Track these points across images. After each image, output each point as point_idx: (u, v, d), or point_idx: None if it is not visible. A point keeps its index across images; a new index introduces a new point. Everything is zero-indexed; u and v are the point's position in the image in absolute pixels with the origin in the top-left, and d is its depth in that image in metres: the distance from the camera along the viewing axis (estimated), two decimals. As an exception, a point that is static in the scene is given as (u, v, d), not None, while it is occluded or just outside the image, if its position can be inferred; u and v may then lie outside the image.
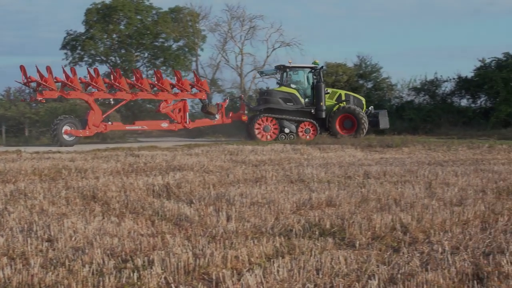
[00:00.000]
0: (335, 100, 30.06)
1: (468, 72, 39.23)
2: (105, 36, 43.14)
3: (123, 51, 44.18)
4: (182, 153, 18.67)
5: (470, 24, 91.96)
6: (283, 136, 29.08)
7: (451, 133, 31.54)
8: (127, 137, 32.00)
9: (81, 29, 43.45)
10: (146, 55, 45.59)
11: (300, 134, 29.27)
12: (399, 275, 5.25)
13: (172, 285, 5.18)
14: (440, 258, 5.85)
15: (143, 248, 6.33)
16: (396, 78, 67.88)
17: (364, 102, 30.70)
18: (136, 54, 44.77)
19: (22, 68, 26.47)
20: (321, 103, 29.68)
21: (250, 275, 5.17)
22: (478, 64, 38.30)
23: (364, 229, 7.09)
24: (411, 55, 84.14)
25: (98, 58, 43.87)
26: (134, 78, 29.23)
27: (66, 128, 26.04)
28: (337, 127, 29.25)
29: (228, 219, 7.86)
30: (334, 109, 29.62)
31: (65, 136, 25.93)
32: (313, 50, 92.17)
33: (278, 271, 5.36)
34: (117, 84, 27.61)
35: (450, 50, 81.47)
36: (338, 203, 8.91)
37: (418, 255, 6.06)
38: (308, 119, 29.55)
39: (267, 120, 29.41)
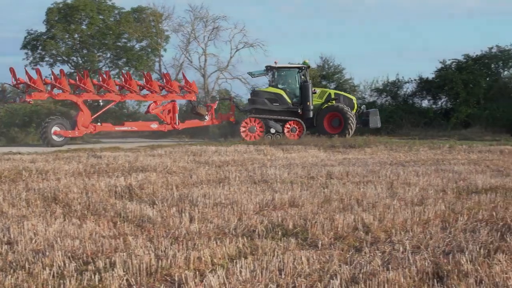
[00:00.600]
0: (324, 100, 29.76)
1: (429, 73, 39.66)
2: (66, 36, 42.62)
3: (85, 51, 43.72)
4: (145, 154, 18.55)
5: (431, 26, 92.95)
6: (270, 136, 28.67)
7: (412, 134, 31.86)
8: (89, 138, 31.66)
9: (42, 28, 42.91)
10: (108, 55, 45.18)
11: (287, 133, 29.02)
12: (360, 275, 5.29)
13: (134, 287, 5.16)
14: (401, 258, 5.91)
15: (104, 250, 6.27)
16: (359, 79, 68.20)
17: (355, 101, 30.40)
18: (98, 54, 44.35)
19: (11, 70, 26.65)
20: (308, 103, 29.50)
21: (213, 276, 5.16)
22: (439, 65, 38.77)
23: (326, 229, 7.13)
24: (373, 56, 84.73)
25: (59, 58, 43.31)
26: (123, 80, 29.52)
27: (55, 128, 26.14)
28: (325, 125, 28.98)
29: (191, 220, 7.84)
30: (323, 107, 29.39)
31: (54, 137, 26.04)
32: (277, 51, 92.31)
33: (240, 271, 5.36)
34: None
35: (411, 51, 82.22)
36: (301, 203, 8.95)
37: (379, 254, 6.11)
38: (294, 118, 29.26)
39: (253, 121, 29.26)
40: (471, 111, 34.84)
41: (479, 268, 5.44)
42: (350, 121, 28.36)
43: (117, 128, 30.13)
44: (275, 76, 30.32)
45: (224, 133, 30.83)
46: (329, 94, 30.02)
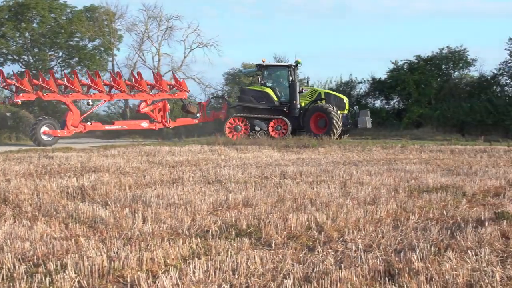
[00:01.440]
0: (314, 99, 29.11)
1: (381, 74, 40.08)
2: (17, 35, 41.97)
3: (36, 50, 43.11)
4: (97, 155, 18.35)
5: (384, 27, 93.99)
6: (254, 134, 28.34)
7: (365, 134, 32.16)
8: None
9: (-8, 27, 42.18)
10: (60, 54, 44.63)
11: (271, 132, 28.46)
12: (313, 274, 5.32)
13: (86, 288, 5.10)
14: (354, 256, 5.96)
15: (56, 251, 6.19)
16: (313, 79, 68.56)
17: (346, 101, 29.37)
18: (50, 53, 43.78)
19: (0, 72, 27.47)
20: (294, 101, 28.98)
21: (166, 277, 5.14)
22: (391, 66, 39.20)
23: (280, 229, 7.16)
24: (327, 57, 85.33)
25: (10, 57, 42.65)
26: (111, 79, 29.59)
27: (44, 128, 26.44)
28: (312, 126, 28.15)
29: (144, 220, 7.79)
30: (308, 107, 28.71)
31: (44, 136, 26.31)
32: (231, 50, 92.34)
33: (194, 272, 5.35)
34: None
35: (364, 52, 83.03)
36: (254, 203, 8.96)
37: (332, 253, 6.16)
38: (279, 117, 28.77)
39: (238, 120, 29.09)
40: (423, 111, 35.30)
41: (429, 265, 5.52)
42: (334, 122, 27.40)
43: (107, 127, 30.27)
44: (265, 75, 30.03)
45: (214, 130, 30.23)
46: (319, 93, 29.42)
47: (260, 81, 29.82)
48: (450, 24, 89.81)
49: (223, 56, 68.14)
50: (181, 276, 5.26)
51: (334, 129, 27.24)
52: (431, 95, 36.12)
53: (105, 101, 30.66)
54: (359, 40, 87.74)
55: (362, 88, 40.58)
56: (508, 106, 31.48)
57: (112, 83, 29.04)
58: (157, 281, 5.10)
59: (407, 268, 5.45)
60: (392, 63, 39.14)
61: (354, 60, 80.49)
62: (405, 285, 4.99)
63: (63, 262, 5.71)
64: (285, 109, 29.03)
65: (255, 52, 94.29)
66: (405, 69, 37.90)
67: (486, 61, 73.13)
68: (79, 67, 43.75)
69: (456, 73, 38.23)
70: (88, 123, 28.52)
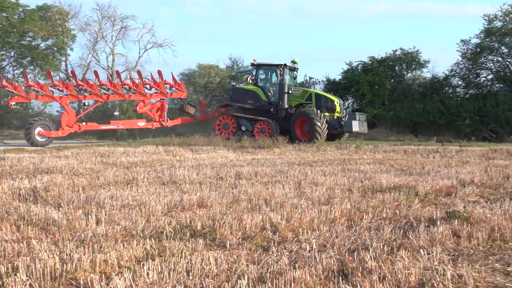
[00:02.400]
0: (305, 101, 28.26)
1: (336, 74, 40.48)
2: (-33, 34, 41.32)
3: (-13, 49, 42.46)
4: (50, 156, 18.13)
5: (339, 28, 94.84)
6: (240, 134, 27.93)
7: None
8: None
9: None
10: (12, 54, 43.99)
11: (256, 133, 27.76)
12: (268, 274, 5.33)
13: (38, 291, 5.03)
14: (308, 256, 5.99)
15: (7, 254, 6.08)
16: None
17: (337, 103, 27.99)
18: (1, 53, 43.11)
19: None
20: (281, 102, 28.17)
21: (119, 279, 5.09)
22: (346, 67, 39.56)
23: (234, 230, 7.15)
24: (282, 58, 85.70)
25: (-42, 56, 41.97)
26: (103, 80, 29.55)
27: (39, 129, 27.02)
28: (297, 131, 27.09)
29: (98, 222, 7.71)
30: (294, 111, 27.88)
31: (38, 137, 26.87)
32: (186, 51, 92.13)
33: (148, 273, 5.31)
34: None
35: (320, 53, 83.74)
36: (209, 204, 8.94)
37: (287, 253, 6.18)
38: (262, 118, 28.11)
39: (227, 118, 28.89)
40: (377, 112, 35.69)
41: (382, 265, 5.57)
42: (317, 127, 26.12)
43: (103, 127, 30.19)
44: (257, 74, 29.50)
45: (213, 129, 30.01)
46: (310, 94, 28.42)
47: (253, 80, 29.46)
48: (404, 26, 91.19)
49: (178, 57, 68.10)
50: (135, 277, 5.22)
51: (317, 135, 26.08)
52: (384, 96, 36.55)
53: (101, 102, 30.99)
54: (314, 41, 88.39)
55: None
56: (459, 107, 32.00)
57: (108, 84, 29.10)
58: (110, 283, 5.05)
59: (360, 267, 5.49)
60: (347, 64, 39.55)
61: (309, 61, 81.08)
62: (358, 285, 5.03)
63: (14, 265, 5.61)
64: (272, 110, 28.41)
65: (211, 52, 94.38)
66: (359, 70, 38.29)
67: (438, 63, 74.38)
68: (32, 67, 43.20)
69: (409, 74, 38.78)
70: (83, 123, 28.69)
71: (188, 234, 7.04)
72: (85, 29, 43.83)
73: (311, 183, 11.42)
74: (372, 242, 6.50)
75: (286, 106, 28.03)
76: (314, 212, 8.19)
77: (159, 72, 29.75)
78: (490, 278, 5.32)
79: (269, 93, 28.88)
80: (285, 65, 28.76)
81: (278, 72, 28.80)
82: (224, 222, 7.39)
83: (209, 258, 5.80)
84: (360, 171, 13.46)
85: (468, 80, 35.84)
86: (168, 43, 44.48)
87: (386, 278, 5.19)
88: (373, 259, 5.74)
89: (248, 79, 29.97)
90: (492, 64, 35.80)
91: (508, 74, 34.61)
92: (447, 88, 36.77)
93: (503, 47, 34.90)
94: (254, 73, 29.83)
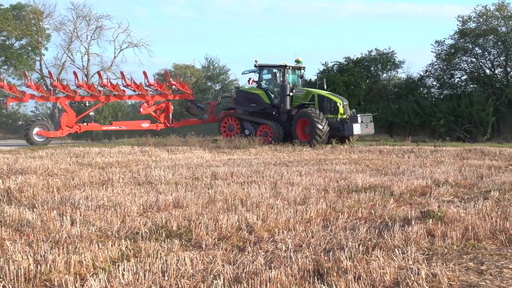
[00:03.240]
0: (308, 102, 26.36)
1: (312, 75, 40.53)
2: None
3: (-41, 49, 42.02)
4: (25, 156, 17.98)
5: (315, 29, 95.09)
6: (244, 138, 25.72)
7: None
8: None
9: None
10: (-15, 53, 43.54)
11: (259, 137, 25.74)
12: (243, 274, 5.33)
13: (12, 293, 4.98)
14: (284, 256, 6.01)
15: (-20, 256, 6.03)
16: (244, 80, 68.80)
17: (340, 104, 25.80)
18: (-26, 53, 42.69)
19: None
20: (282, 105, 26.61)
21: (94, 280, 5.07)
22: (321, 67, 39.62)
23: (210, 230, 7.15)
24: (257, 58, 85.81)
25: None
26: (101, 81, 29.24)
27: (37, 129, 27.09)
28: (298, 133, 25.26)
29: (73, 223, 7.67)
30: (296, 113, 25.98)
31: (36, 137, 26.95)
32: (162, 51, 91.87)
33: (123, 274, 5.29)
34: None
35: (295, 53, 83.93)
36: (185, 204, 8.92)
37: (262, 253, 6.19)
38: (264, 122, 26.67)
39: (232, 119, 27.82)
40: (352, 112, 35.78)
41: (357, 264, 5.60)
42: (317, 129, 24.37)
43: (105, 128, 30.04)
44: (260, 75, 27.99)
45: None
46: (313, 96, 26.46)
47: (257, 82, 27.97)
48: (379, 27, 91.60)
49: (154, 57, 67.95)
50: (110, 278, 5.20)
51: (317, 137, 24.36)
52: (360, 96, 36.64)
53: (102, 102, 30.76)
54: (290, 41, 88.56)
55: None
56: (434, 107, 32.19)
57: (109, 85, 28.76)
58: (85, 284, 5.03)
59: (335, 267, 5.52)
60: (322, 64, 39.54)
61: (288, 62, 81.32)
62: (333, 284, 5.05)
63: (-12, 266, 5.56)
64: (274, 112, 27.06)
65: (187, 52, 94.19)
66: (335, 71, 38.36)
67: (413, 63, 74.87)
68: (6, 67, 42.82)
69: (384, 74, 38.92)
70: (85, 124, 28.57)
71: (163, 234, 7.03)
72: (59, 29, 43.54)
73: (287, 183, 11.45)
74: (347, 242, 6.53)
75: (288, 108, 26.62)
76: (290, 212, 8.22)
77: (167, 74, 29.56)
78: (464, 276, 5.37)
79: (273, 95, 27.51)
80: (285, 66, 27.35)
81: (278, 73, 27.35)
82: (200, 223, 7.39)
83: (184, 259, 5.80)
84: (335, 171, 13.51)
85: (443, 80, 36.03)
86: (144, 43, 44.29)
87: (361, 278, 5.22)
88: (348, 259, 5.77)
89: (251, 81, 28.43)
90: (466, 65, 36.04)
91: (482, 75, 34.91)
92: (422, 89, 36.94)
93: (476, 48, 35.15)
94: (258, 74, 28.32)
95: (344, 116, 25.63)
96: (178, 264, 5.64)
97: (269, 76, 27.93)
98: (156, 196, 9.63)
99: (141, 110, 29.39)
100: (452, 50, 35.43)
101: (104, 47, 71.09)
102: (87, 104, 29.38)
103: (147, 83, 28.64)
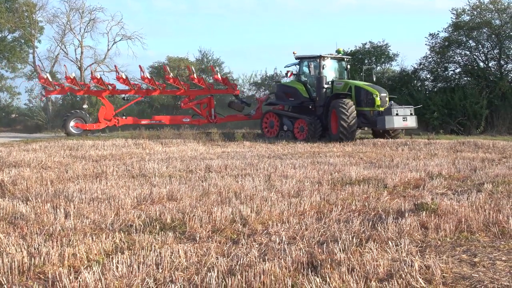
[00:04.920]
0: (333, 94, 24.23)
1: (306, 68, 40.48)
2: None
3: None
4: (18, 149, 17.94)
5: (309, 22, 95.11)
6: (282, 134, 25.43)
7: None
8: None
9: None
10: (-22, 46, 43.40)
11: (296, 133, 24.85)
12: (237, 267, 5.33)
13: (5, 286, 4.97)
14: (278, 248, 6.01)
15: (-27, 249, 6.02)
16: (238, 73, 69.00)
17: (376, 96, 23.43)
18: (-33, 45, 42.53)
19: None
20: (318, 98, 24.81)
21: (88, 273, 5.06)
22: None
23: (204, 223, 7.15)
24: (252, 51, 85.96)
25: None
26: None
27: (75, 121, 27.67)
28: (333, 126, 23.25)
29: (66, 216, 7.66)
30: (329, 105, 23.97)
31: (73, 129, 27.56)
32: (156, 44, 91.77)
33: (117, 267, 5.29)
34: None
35: (289, 47, 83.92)
36: (179, 197, 8.93)
37: (256, 246, 6.20)
38: (300, 116, 25.02)
39: (272, 116, 26.35)
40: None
41: (351, 256, 5.61)
42: (343, 122, 22.33)
43: (144, 122, 29.56)
44: (301, 68, 26.27)
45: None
46: (350, 87, 24.21)
47: (295, 76, 26.49)
48: (374, 19, 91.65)
49: (148, 49, 67.92)
50: (104, 271, 5.20)
51: (343, 131, 22.34)
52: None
53: (141, 96, 31.05)
54: (283, 35, 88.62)
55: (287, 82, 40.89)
56: (428, 100, 32.21)
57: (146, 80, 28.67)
58: (79, 277, 5.02)
59: (329, 259, 5.53)
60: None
61: (279, 55, 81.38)
62: (327, 276, 5.06)
63: (-19, 259, 5.55)
64: (310, 107, 25.27)
65: (180, 45, 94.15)
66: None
67: (407, 56, 74.93)
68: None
69: (378, 67, 38.93)
70: (123, 117, 28.55)
71: (157, 227, 7.03)
72: (52, 21, 43.46)
73: (281, 176, 11.46)
74: (341, 234, 6.54)
75: (324, 101, 24.47)
76: (284, 204, 8.22)
77: (212, 68, 29.17)
78: (457, 268, 5.38)
79: (312, 89, 25.59)
80: (321, 56, 25.36)
81: (313, 64, 25.48)
82: (194, 215, 7.39)
83: (178, 251, 5.80)
84: (329, 164, 13.53)
85: (437, 73, 36.05)
86: (137, 36, 44.29)
87: (355, 270, 5.23)
88: (342, 251, 5.78)
89: (289, 74, 27.08)
90: (460, 58, 36.07)
91: (476, 67, 34.95)
92: (415, 81, 36.97)
93: (470, 41, 35.18)
94: (298, 67, 26.58)
95: (381, 109, 23.42)
96: (172, 257, 5.65)
97: (308, 68, 25.93)
98: (150, 189, 9.63)
99: (182, 104, 29.02)
100: (446, 43, 35.44)
101: (98, 40, 71.00)
102: (125, 98, 29.39)
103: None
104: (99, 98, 30.15)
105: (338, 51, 26.62)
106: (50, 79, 28.40)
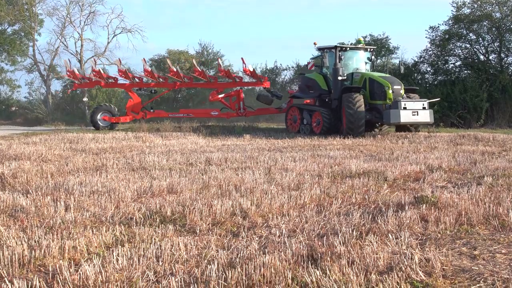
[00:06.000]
0: (361, 85, 22.80)
1: (306, 61, 40.50)
2: None
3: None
4: (18, 142, 17.94)
5: (308, 14, 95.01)
6: (303, 128, 24.57)
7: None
8: None
9: None
10: (-22, 39, 43.34)
11: (314, 127, 23.76)
12: (237, 259, 5.34)
13: (6, 279, 4.98)
14: (278, 241, 6.02)
15: (-26, 241, 6.02)
16: (238, 66, 68.74)
17: (388, 89, 21.84)
18: (-33, 38, 42.47)
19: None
20: (333, 91, 23.58)
21: (88, 265, 5.07)
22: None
23: (204, 215, 7.15)
24: (252, 44, 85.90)
25: None
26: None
27: (102, 114, 28.18)
28: (344, 122, 21.87)
29: (67, 209, 7.66)
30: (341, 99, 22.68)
31: (100, 121, 28.07)
32: (156, 37, 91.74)
33: (117, 260, 5.29)
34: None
35: (289, 40, 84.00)
36: (179, 190, 8.93)
37: (256, 239, 6.20)
38: (317, 109, 24.04)
39: (295, 110, 25.52)
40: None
41: (351, 249, 5.62)
42: (349, 116, 21.27)
43: (171, 115, 29.59)
44: (322, 59, 24.46)
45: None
46: (365, 79, 22.81)
47: (317, 68, 25.39)
48: (374, 12, 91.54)
49: (148, 42, 67.88)
50: (104, 264, 5.20)
51: (349, 126, 21.25)
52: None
53: (169, 89, 31.11)
54: (282, 28, 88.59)
55: (287, 75, 40.92)
56: (428, 93, 32.19)
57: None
58: (79, 270, 5.02)
59: (329, 252, 5.53)
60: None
61: (279, 48, 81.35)
62: (327, 269, 5.06)
63: (-18, 252, 5.56)
64: (327, 100, 24.30)
65: (181, 38, 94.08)
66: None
67: (407, 49, 74.91)
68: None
69: (378, 60, 38.90)
70: (151, 110, 28.74)
71: (158, 220, 7.03)
72: (52, 14, 43.44)
73: (281, 169, 11.46)
74: (341, 227, 6.54)
75: (338, 94, 23.05)
76: (284, 197, 8.22)
77: (243, 59, 28.31)
78: (457, 261, 5.39)
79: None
80: (336, 46, 23.92)
81: (327, 55, 24.17)
82: (194, 208, 7.39)
83: (179, 244, 5.80)
84: (329, 156, 13.53)
85: (437, 66, 36.05)
86: (137, 29, 44.26)
87: (355, 263, 5.23)
88: (342, 244, 5.79)
89: (310, 65, 26.24)
90: (460, 51, 36.06)
91: (476, 60, 34.94)
92: (416, 75, 36.97)
93: (471, 34, 35.17)
94: (321, 59, 24.94)
95: (389, 102, 21.86)
96: (172, 249, 5.65)
97: (329, 59, 24.32)
98: (150, 181, 9.63)
99: (210, 97, 28.50)
100: (447, 36, 35.41)
101: (98, 33, 70.87)
102: (153, 91, 29.55)
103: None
104: (127, 92, 30.43)
105: (359, 41, 25.53)
106: (77, 72, 28.41)
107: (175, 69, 28.22)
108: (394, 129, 24.01)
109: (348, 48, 24.51)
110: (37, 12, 43.69)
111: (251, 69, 28.21)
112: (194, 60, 28.85)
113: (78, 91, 38.31)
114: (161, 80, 28.42)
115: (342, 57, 23.83)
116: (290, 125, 25.66)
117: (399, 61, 28.77)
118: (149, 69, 28.29)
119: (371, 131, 23.49)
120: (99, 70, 28.49)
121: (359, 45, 24.99)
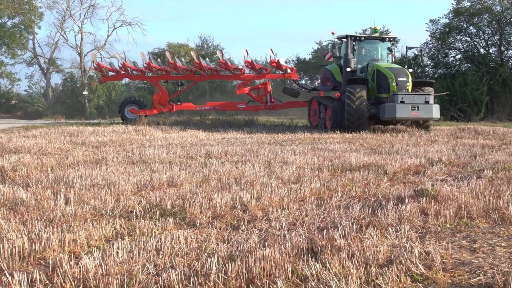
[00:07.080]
0: (371, 78, 21.70)
1: (306, 54, 40.50)
2: None
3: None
4: (18, 135, 17.94)
5: (308, 8, 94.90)
6: (320, 122, 23.44)
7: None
8: None
9: None
10: (-22, 32, 43.28)
11: (327, 121, 22.45)
12: (238, 252, 5.34)
13: (6, 272, 4.98)
14: (278, 234, 6.02)
15: (-26, 234, 6.02)
16: (238, 59, 68.59)
17: (391, 81, 20.74)
18: (-33, 31, 42.42)
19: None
20: (342, 83, 22.66)
21: (89, 258, 5.07)
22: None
23: (204, 209, 7.16)
24: (252, 37, 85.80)
25: None
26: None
27: (130, 107, 28.15)
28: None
29: (67, 202, 7.66)
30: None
31: (128, 114, 28.10)
32: (156, 30, 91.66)
33: (117, 253, 5.30)
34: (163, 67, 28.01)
35: (290, 33, 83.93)
36: (179, 183, 8.93)
37: (256, 232, 6.20)
38: (327, 103, 22.77)
39: (315, 103, 24.32)
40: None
41: (351, 242, 5.62)
42: (347, 110, 20.37)
43: (198, 108, 29.49)
44: (341, 49, 23.15)
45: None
46: (374, 71, 21.59)
47: (335, 59, 23.82)
48: (374, 5, 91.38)
49: (148, 36, 67.91)
50: (104, 257, 5.20)
51: (349, 118, 20.31)
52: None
53: (195, 82, 30.54)
54: (282, 21, 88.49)
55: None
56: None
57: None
58: (79, 263, 5.03)
59: (329, 245, 5.53)
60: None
61: (279, 41, 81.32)
62: (327, 262, 5.06)
63: (-18, 245, 5.56)
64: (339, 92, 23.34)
65: (181, 31, 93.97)
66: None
67: (408, 42, 74.86)
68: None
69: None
70: (178, 103, 28.52)
71: (158, 213, 7.03)
72: (52, 7, 43.41)
73: (281, 162, 11.45)
74: (341, 220, 6.54)
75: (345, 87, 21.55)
76: (284, 191, 8.22)
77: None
78: (457, 254, 5.39)
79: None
80: (347, 36, 22.54)
81: (337, 46, 23.07)
82: (194, 201, 7.40)
83: (179, 237, 5.81)
84: (330, 150, 13.53)
85: (437, 59, 36.05)
86: (137, 22, 44.21)
87: (355, 256, 5.23)
88: (342, 237, 5.79)
89: (327, 57, 24.51)
90: (460, 44, 36.07)
91: (476, 54, 34.92)
92: (416, 68, 36.98)
93: (471, 27, 35.17)
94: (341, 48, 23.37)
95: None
96: (172, 243, 5.65)
97: (346, 50, 22.70)
98: (150, 175, 9.63)
99: (237, 90, 27.94)
100: (447, 29, 35.40)
101: (98, 26, 70.91)
102: (181, 83, 29.40)
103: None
104: (154, 85, 30.33)
105: (375, 30, 24.63)
106: (105, 65, 28.42)
107: (204, 63, 27.83)
108: (437, 124, 22.56)
109: (362, 38, 23.24)
110: (37, 5, 43.67)
111: (281, 61, 27.23)
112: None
113: (78, 84, 38.28)
114: (187, 72, 27.90)
115: (356, 47, 22.55)
116: (312, 119, 24.77)
117: (421, 51, 26.85)
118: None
119: (383, 126, 22.64)
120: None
121: (376, 34, 23.98)
